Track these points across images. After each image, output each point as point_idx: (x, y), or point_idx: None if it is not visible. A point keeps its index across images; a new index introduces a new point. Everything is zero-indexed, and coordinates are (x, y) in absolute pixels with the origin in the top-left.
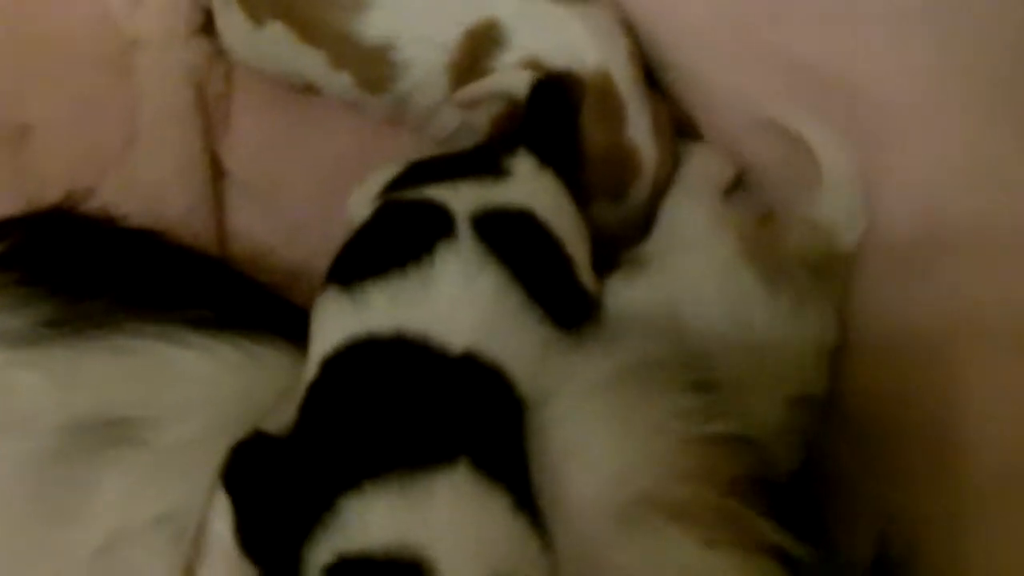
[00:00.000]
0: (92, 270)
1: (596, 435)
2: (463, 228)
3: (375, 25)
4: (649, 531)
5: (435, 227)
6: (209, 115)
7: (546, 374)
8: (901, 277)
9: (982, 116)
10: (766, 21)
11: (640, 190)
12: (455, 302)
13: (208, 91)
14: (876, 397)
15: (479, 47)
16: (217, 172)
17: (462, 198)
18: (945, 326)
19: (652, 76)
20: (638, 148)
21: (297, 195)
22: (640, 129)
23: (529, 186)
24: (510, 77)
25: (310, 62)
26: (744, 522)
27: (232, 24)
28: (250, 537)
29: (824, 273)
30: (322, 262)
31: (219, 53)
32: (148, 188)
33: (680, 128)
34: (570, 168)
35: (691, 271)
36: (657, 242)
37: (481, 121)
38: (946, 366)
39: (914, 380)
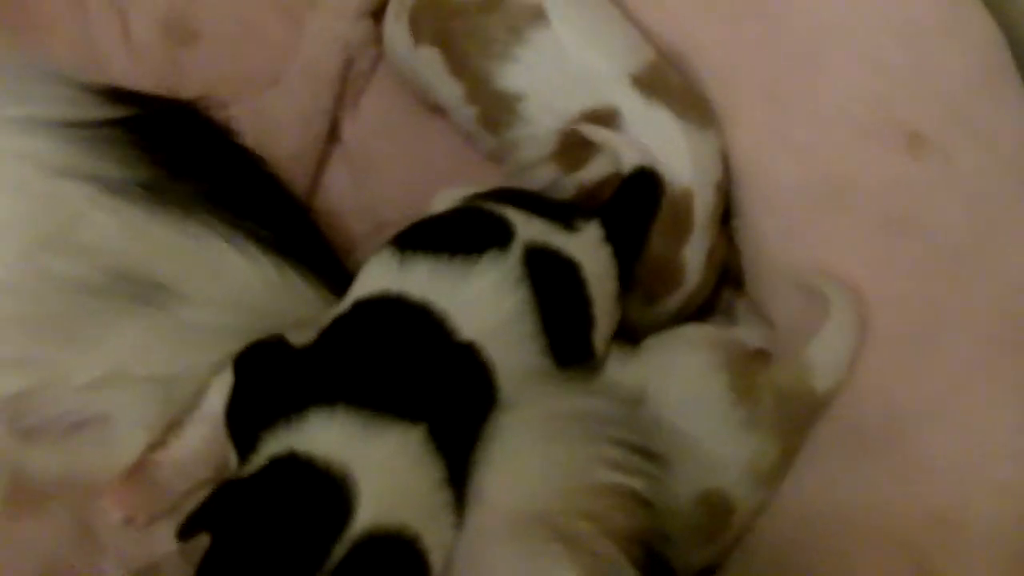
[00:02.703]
0: (196, 161)
1: (532, 453)
2: (516, 249)
3: (512, 77)
4: (536, 543)
5: (494, 237)
6: (346, 87)
7: (519, 388)
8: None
9: None
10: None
11: (670, 303)
12: (480, 301)
13: (354, 67)
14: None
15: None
16: (332, 136)
17: (528, 227)
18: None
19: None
20: (686, 269)
21: (388, 183)
22: (696, 254)
23: (588, 248)
24: (626, 145)
25: (449, 90)
26: (613, 564)
27: (396, 33)
28: (235, 415)
29: (790, 408)
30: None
31: (376, 40)
32: (270, 124)
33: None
34: (628, 258)
35: (670, 366)
36: (658, 338)
37: (568, 188)
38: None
39: None
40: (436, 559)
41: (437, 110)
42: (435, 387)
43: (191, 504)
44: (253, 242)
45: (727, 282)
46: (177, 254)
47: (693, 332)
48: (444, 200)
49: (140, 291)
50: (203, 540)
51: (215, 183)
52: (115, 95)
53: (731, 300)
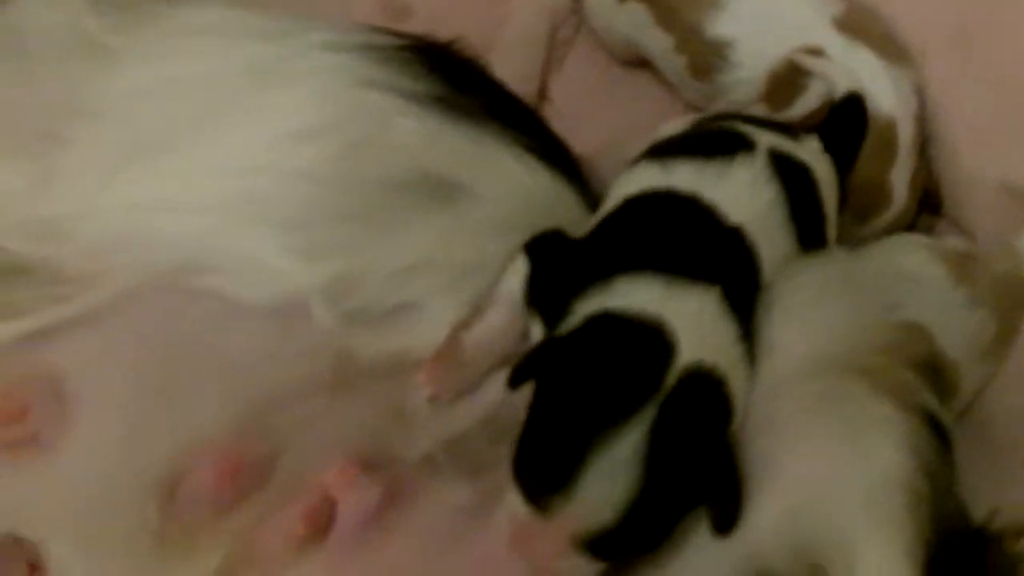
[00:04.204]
0: (472, 81)
1: (813, 307)
2: (760, 152)
3: (722, 25)
4: (831, 377)
5: (740, 143)
6: (552, 51)
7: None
8: None
9: None
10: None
11: (880, 222)
12: (740, 194)
13: (559, 33)
14: None
15: (800, 67)
16: (541, 94)
17: (764, 137)
18: None
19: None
20: (893, 191)
21: (592, 137)
22: (901, 178)
23: (814, 155)
24: (838, 72)
25: (657, 42)
26: (911, 388)
27: None
28: (535, 291)
29: (1005, 290)
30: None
31: (577, 9)
32: None
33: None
34: (842, 172)
35: (889, 261)
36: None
37: None
38: None
39: None
40: (739, 404)
41: (638, 64)
42: (720, 257)
43: (491, 381)
44: (527, 150)
45: (925, 208)
46: (469, 157)
47: (903, 237)
48: (669, 130)
49: (440, 189)
50: (505, 410)
51: (490, 99)
52: (391, 31)
53: (929, 224)
